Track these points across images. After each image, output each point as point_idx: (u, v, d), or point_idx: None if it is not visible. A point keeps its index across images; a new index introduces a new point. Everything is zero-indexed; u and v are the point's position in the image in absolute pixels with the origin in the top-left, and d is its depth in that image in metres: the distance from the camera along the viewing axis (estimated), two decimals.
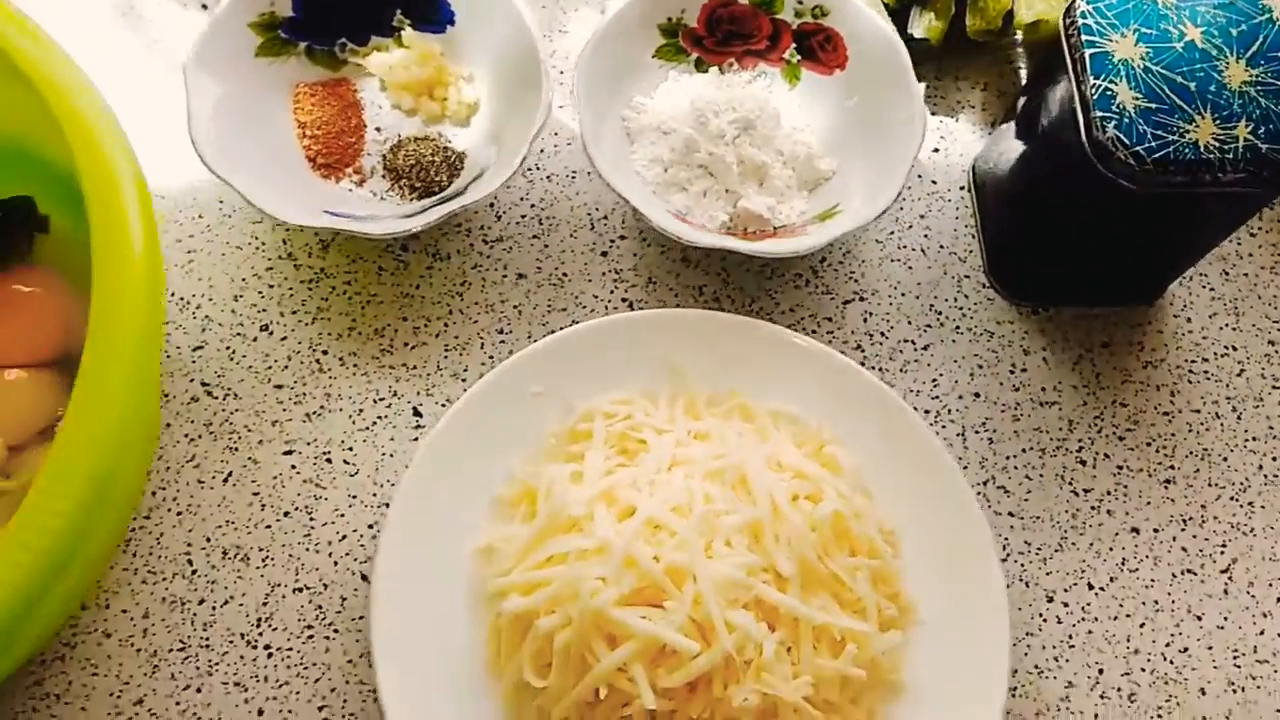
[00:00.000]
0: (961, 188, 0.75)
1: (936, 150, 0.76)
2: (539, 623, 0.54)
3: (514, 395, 0.62)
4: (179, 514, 0.62)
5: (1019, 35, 0.78)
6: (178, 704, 0.58)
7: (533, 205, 0.72)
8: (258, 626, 0.60)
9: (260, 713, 0.59)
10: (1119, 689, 0.62)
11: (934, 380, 0.69)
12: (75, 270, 0.56)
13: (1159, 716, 0.61)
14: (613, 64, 0.69)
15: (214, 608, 0.60)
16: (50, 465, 0.41)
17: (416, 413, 0.66)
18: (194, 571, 0.61)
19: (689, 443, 0.60)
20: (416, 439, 0.65)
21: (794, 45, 0.73)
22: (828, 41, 0.72)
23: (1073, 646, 0.63)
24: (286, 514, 0.63)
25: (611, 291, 0.70)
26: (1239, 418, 0.70)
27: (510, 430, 0.62)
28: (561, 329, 0.69)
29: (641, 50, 0.71)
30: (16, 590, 0.39)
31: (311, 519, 0.63)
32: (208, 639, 0.60)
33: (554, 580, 0.54)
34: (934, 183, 0.75)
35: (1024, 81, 0.79)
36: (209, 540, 0.62)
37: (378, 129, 0.71)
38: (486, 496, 0.61)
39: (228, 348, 0.66)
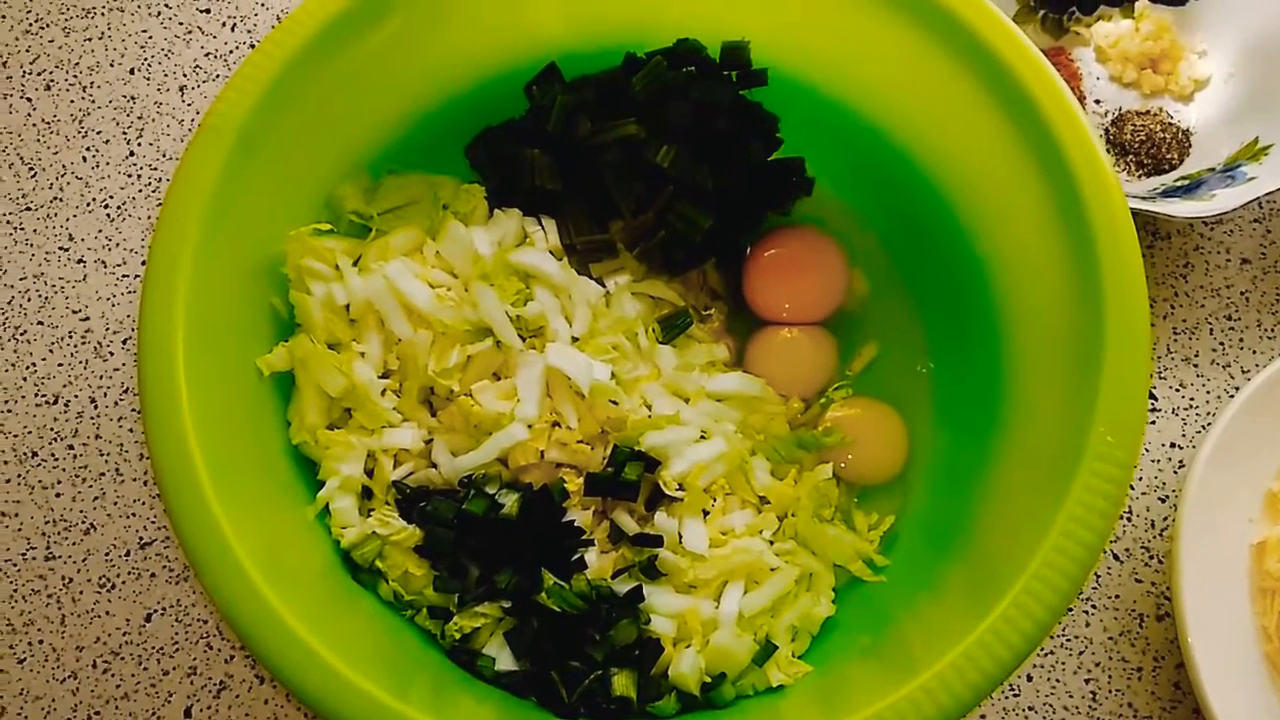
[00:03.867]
0: None
1: None
2: None
3: None
4: None
5: None
6: None
7: None
8: None
9: (1029, 678, 0.60)
10: None
11: None
12: None
13: None
14: None
15: None
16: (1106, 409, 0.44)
17: (1151, 395, 0.65)
18: None
19: None
20: (1153, 422, 0.65)
21: None
22: None
23: None
24: None
25: None
26: None
27: None
28: None
29: None
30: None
31: None
32: None
33: None
34: None
35: None
36: None
37: (1097, 101, 0.70)
38: (1260, 489, 0.61)
39: None
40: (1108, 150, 0.69)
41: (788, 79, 0.59)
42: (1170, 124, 0.68)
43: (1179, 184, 0.66)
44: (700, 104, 0.57)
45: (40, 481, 0.64)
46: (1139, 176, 0.68)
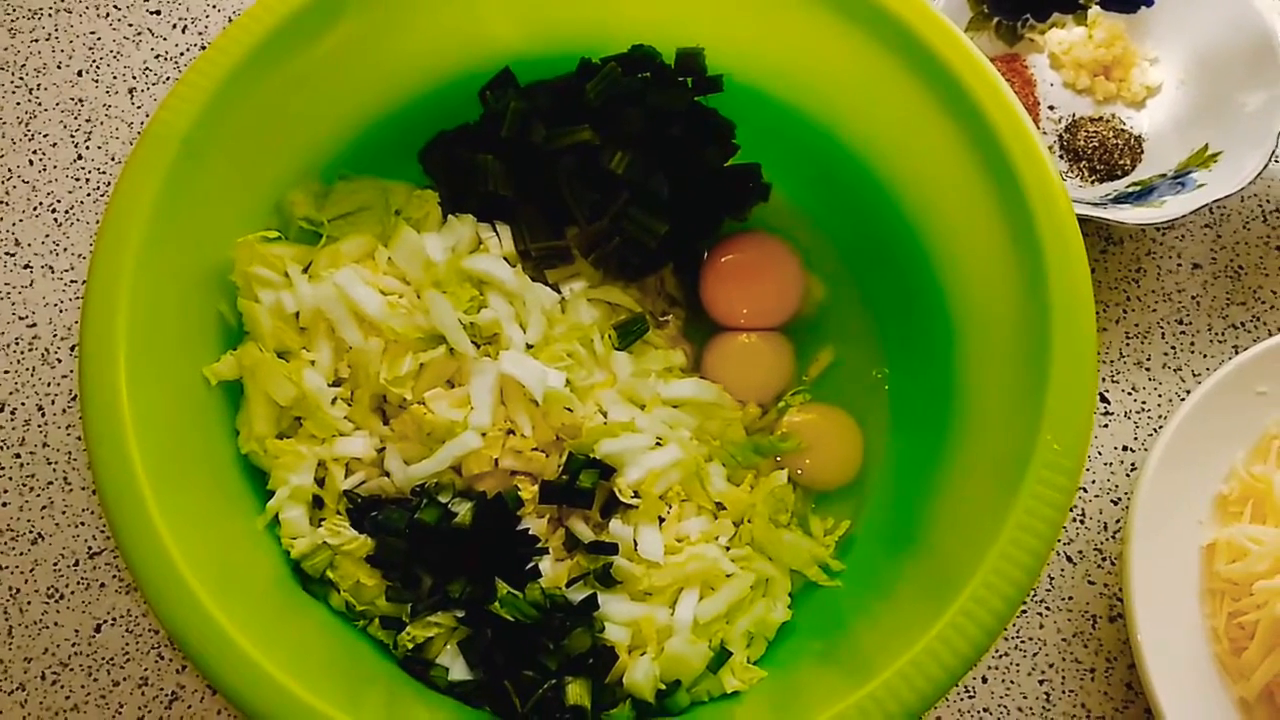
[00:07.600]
0: None
1: None
2: None
3: (1240, 393, 0.61)
4: None
5: None
6: None
7: None
8: None
9: (984, 680, 0.61)
10: None
11: None
12: None
13: None
14: None
15: None
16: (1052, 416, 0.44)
17: (1104, 399, 0.66)
18: None
19: None
20: (1106, 425, 0.66)
21: None
22: None
23: None
24: None
25: None
26: None
27: (1233, 427, 0.62)
28: (1242, 323, 0.67)
29: None
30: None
31: None
32: None
33: None
34: None
35: None
36: None
37: (1051, 107, 0.71)
38: (1210, 492, 0.61)
39: None
40: (1061, 156, 0.69)
41: (743, 86, 0.59)
42: (1123, 130, 0.69)
43: (1131, 190, 0.66)
44: (655, 110, 0.57)
45: None
46: (1092, 182, 0.68)
